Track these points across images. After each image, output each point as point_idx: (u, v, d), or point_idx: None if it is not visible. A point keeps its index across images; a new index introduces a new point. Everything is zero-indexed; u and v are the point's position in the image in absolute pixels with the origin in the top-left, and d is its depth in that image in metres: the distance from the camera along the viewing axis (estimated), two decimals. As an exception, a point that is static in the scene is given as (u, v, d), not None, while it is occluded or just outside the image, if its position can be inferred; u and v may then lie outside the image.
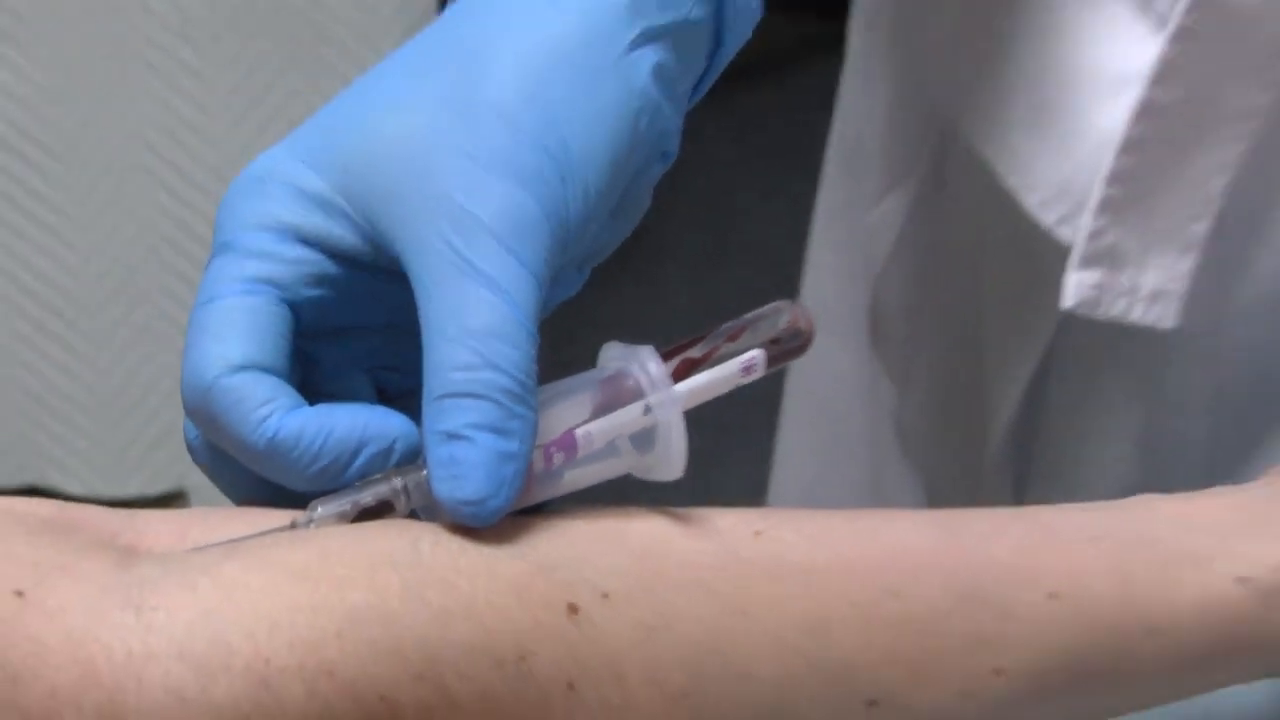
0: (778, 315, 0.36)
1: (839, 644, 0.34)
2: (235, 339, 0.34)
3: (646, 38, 0.38)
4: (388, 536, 0.32)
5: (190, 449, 0.36)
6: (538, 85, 0.36)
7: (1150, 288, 0.53)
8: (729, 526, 0.35)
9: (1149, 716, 0.43)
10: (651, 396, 0.33)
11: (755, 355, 0.34)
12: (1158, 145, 0.52)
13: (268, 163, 0.36)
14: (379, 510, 0.33)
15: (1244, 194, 0.53)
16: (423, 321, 0.33)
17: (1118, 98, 0.51)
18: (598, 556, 0.33)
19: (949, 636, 0.34)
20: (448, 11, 0.39)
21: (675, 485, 0.35)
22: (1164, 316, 0.53)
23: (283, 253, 0.35)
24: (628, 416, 0.33)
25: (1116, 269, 0.53)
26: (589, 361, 0.35)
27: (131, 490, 1.24)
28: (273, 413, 0.33)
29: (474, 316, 0.32)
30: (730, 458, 0.65)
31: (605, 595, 0.32)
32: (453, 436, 0.32)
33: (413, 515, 0.33)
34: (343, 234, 0.35)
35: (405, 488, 0.33)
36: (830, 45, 0.73)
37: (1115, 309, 0.53)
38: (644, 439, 0.34)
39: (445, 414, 0.32)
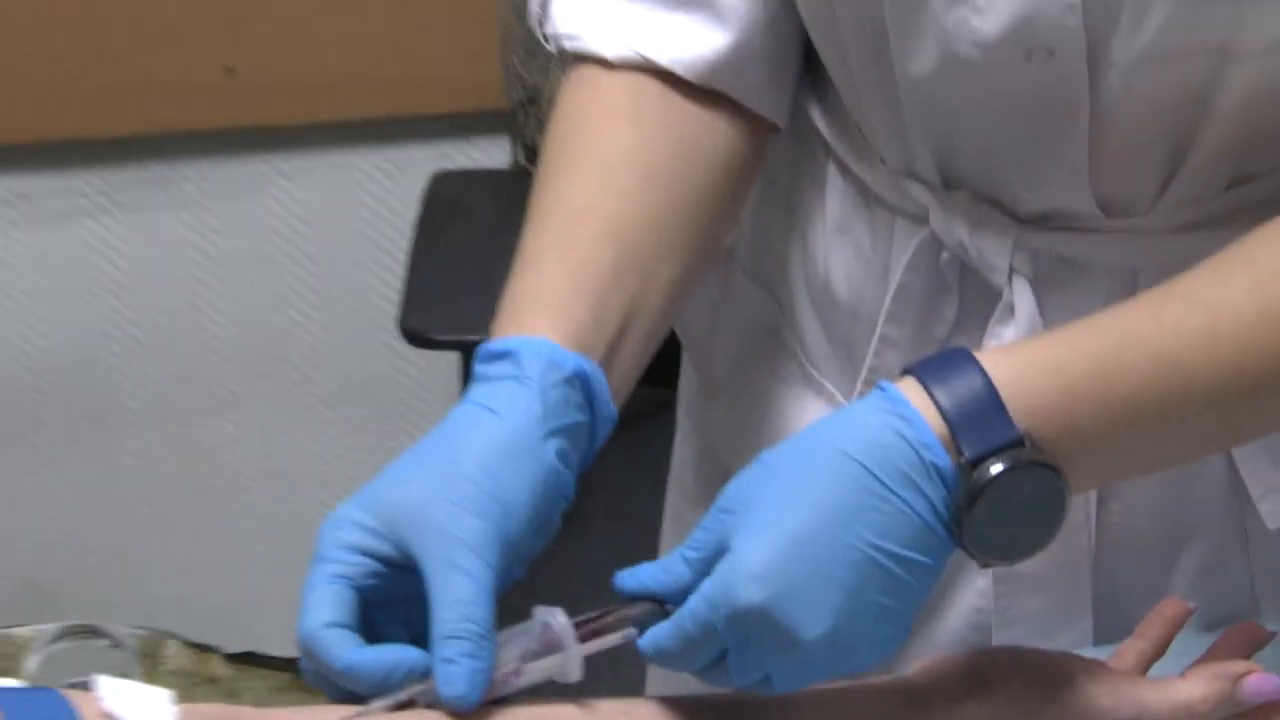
0: (629, 611, 0.62)
1: None
2: (324, 609, 0.59)
3: (551, 434, 0.64)
4: (412, 718, 0.56)
5: (303, 672, 0.61)
6: (489, 463, 0.61)
7: None
8: (606, 710, 0.60)
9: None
10: (568, 650, 0.59)
11: (631, 633, 0.60)
12: None
13: (343, 510, 0.61)
14: (407, 704, 0.57)
15: None
16: (430, 595, 0.57)
17: None
18: None
19: None
20: (444, 420, 0.65)
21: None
22: None
23: (349, 560, 0.60)
24: (551, 662, 0.59)
25: None
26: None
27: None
28: (344, 652, 0.58)
29: (457, 592, 0.57)
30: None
31: None
32: (448, 661, 0.56)
33: (428, 707, 0.57)
34: (383, 549, 0.60)
35: (423, 691, 0.57)
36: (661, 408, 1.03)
37: None
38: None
39: (444, 647, 0.56)
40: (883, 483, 0.60)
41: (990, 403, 0.62)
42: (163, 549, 1.90)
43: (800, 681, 0.63)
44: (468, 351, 0.82)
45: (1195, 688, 0.67)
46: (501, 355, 0.66)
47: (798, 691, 0.64)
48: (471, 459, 0.61)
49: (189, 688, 1.80)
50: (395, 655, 0.60)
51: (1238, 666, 0.68)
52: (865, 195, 0.82)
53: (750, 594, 0.58)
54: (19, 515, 1.89)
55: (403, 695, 0.58)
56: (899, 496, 0.60)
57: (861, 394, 0.84)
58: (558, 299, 0.69)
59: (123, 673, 1.32)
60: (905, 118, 0.76)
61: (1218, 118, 0.72)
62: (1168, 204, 0.75)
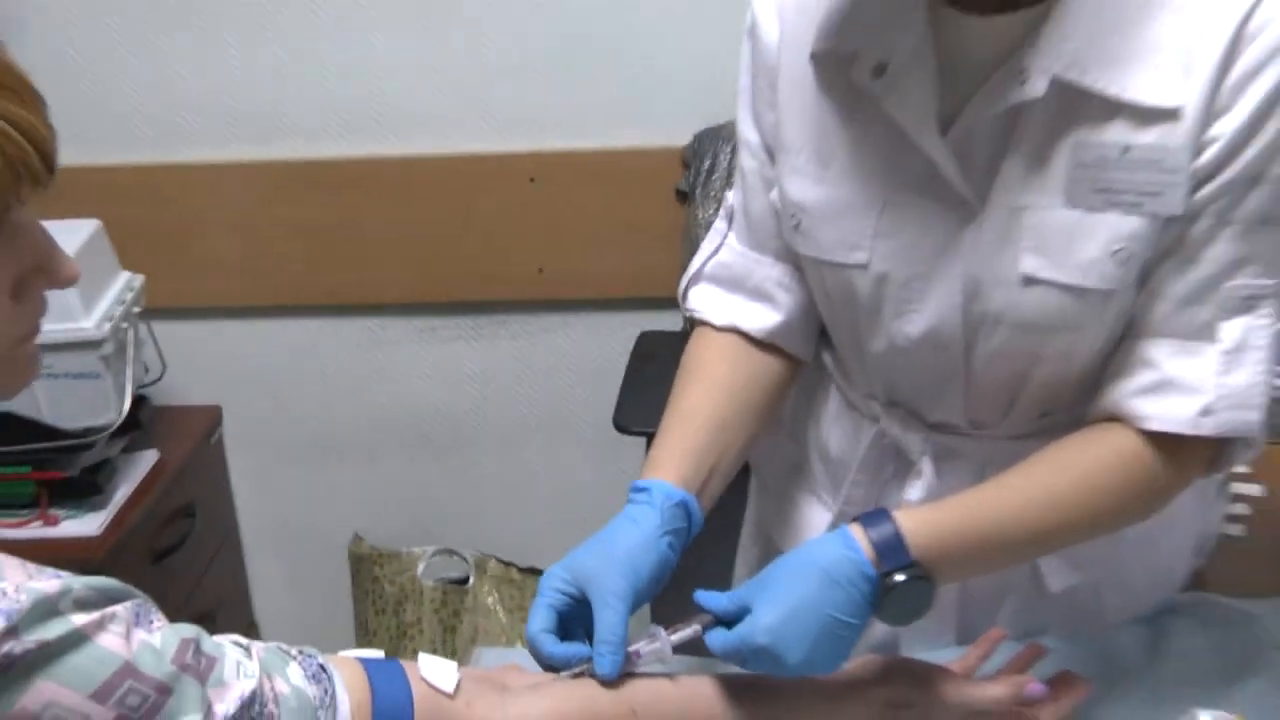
0: (698, 620, 0.86)
1: None
2: (539, 621, 0.87)
3: (665, 534, 0.90)
4: (585, 683, 0.84)
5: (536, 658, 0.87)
6: (631, 550, 0.88)
7: None
8: (683, 678, 0.87)
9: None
10: (661, 641, 0.86)
11: (697, 629, 0.86)
12: None
13: (553, 569, 0.89)
14: (580, 675, 0.85)
15: None
16: (595, 618, 0.85)
17: None
18: (655, 700, 0.85)
19: None
20: (612, 520, 0.92)
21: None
22: None
23: (554, 597, 0.88)
24: (654, 648, 0.86)
25: None
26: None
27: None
28: (546, 645, 0.86)
29: (608, 619, 0.85)
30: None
31: (633, 712, 0.84)
32: (599, 654, 0.83)
33: (591, 677, 0.85)
34: (572, 591, 0.88)
35: (588, 668, 0.85)
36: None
37: None
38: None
39: (598, 647, 0.84)
40: (838, 583, 0.83)
41: (897, 542, 0.84)
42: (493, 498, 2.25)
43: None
44: (650, 438, 1.02)
45: (1000, 689, 0.91)
46: (642, 489, 0.93)
47: (783, 680, 0.87)
48: (621, 547, 0.89)
49: (498, 585, 2.15)
50: (575, 649, 0.87)
51: (1023, 678, 0.92)
52: (848, 403, 1.07)
53: (761, 639, 0.82)
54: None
55: (577, 670, 0.86)
56: (846, 591, 0.83)
57: (839, 514, 1.05)
58: (675, 460, 0.96)
59: (465, 575, 1.89)
60: (868, 370, 1.01)
61: (1032, 385, 0.95)
62: (1007, 424, 0.98)
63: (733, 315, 1.04)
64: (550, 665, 0.87)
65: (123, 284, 1.93)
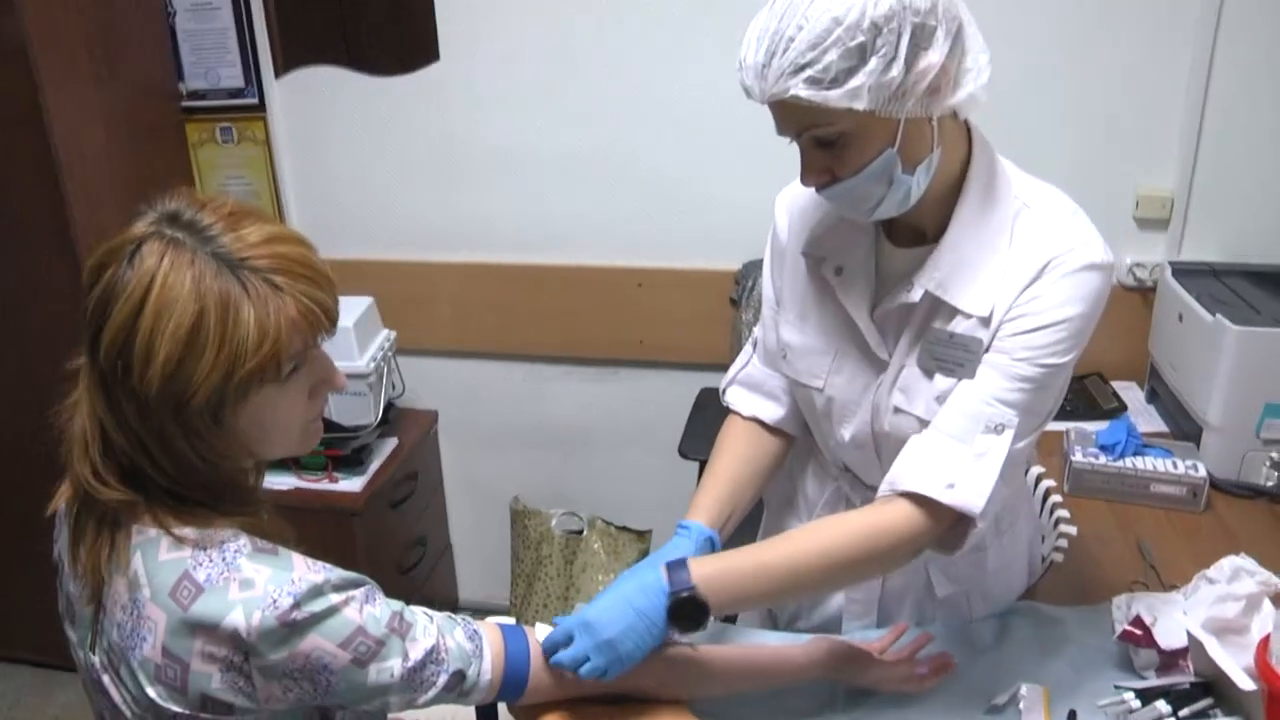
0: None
1: None
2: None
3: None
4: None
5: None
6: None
7: None
8: (704, 646, 0.78)
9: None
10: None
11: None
12: None
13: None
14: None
15: None
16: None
17: None
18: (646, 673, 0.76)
19: None
20: (661, 547, 0.85)
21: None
22: None
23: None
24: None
25: None
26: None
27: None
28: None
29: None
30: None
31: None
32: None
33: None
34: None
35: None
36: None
37: None
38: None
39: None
40: (644, 590, 0.81)
41: (685, 574, 0.82)
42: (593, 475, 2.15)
43: (613, 668, 0.78)
44: (702, 464, 0.95)
45: (902, 668, 0.91)
46: (684, 527, 0.91)
47: (766, 649, 0.84)
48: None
49: (601, 537, 2.02)
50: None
51: (916, 658, 0.93)
52: (820, 465, 1.06)
53: (588, 615, 0.80)
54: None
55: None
56: (648, 597, 0.80)
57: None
58: (706, 508, 0.94)
59: (581, 528, 1.70)
60: (829, 450, 1.02)
61: None
62: None
63: (754, 409, 1.05)
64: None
65: (383, 337, 1.97)
